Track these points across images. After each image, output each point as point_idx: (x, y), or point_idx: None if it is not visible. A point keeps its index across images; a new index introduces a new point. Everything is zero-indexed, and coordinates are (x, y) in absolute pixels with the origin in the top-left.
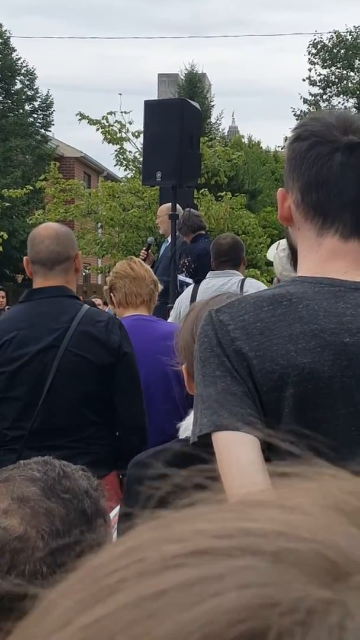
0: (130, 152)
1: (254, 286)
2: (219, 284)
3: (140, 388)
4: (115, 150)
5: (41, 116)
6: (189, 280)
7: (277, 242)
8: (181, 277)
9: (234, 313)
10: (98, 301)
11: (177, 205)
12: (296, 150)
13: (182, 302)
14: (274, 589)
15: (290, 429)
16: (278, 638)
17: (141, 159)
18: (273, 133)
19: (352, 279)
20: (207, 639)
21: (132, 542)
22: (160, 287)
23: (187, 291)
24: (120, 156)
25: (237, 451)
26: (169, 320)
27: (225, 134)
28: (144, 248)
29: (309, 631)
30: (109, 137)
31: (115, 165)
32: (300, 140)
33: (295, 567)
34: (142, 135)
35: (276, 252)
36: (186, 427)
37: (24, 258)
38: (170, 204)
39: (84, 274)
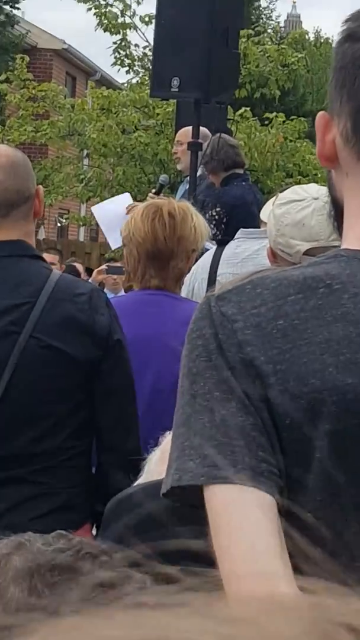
0: (136, 46)
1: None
2: (254, 248)
3: (133, 396)
4: (115, 43)
5: None
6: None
7: (276, 193)
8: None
9: (244, 303)
10: (79, 267)
11: (202, 129)
12: (347, 55)
13: (197, 274)
14: None
15: (323, 486)
16: None
17: (151, 58)
18: None
19: None
20: None
21: None
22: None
23: (206, 257)
24: (121, 52)
25: (243, 519)
26: None
27: (281, 25)
28: (153, 191)
29: None
30: (106, 22)
31: (113, 65)
32: (353, 41)
33: None
34: (153, 22)
35: (272, 208)
36: None
37: None
38: (191, 127)
39: (59, 224)
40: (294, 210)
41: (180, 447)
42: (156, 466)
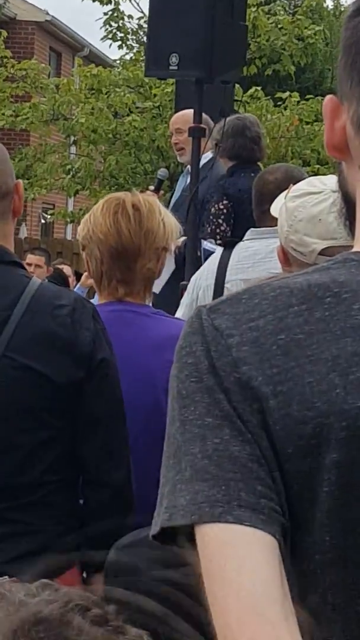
0: (129, 17)
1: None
2: (268, 249)
3: (123, 422)
4: (105, 14)
5: None
6: (214, 247)
7: (290, 186)
8: (207, 243)
9: (239, 315)
10: (67, 269)
11: (204, 114)
12: (358, 30)
13: (201, 280)
14: None
15: (332, 524)
16: None
17: (147, 31)
18: None
19: None
20: None
21: None
22: (170, 250)
23: (212, 261)
24: (113, 24)
25: (240, 564)
26: (179, 313)
27: None
28: (151, 188)
29: None
30: None
31: (103, 40)
32: None
33: None
34: None
35: (284, 202)
36: None
37: None
38: (192, 110)
39: (43, 221)
40: (309, 203)
41: (172, 482)
42: None
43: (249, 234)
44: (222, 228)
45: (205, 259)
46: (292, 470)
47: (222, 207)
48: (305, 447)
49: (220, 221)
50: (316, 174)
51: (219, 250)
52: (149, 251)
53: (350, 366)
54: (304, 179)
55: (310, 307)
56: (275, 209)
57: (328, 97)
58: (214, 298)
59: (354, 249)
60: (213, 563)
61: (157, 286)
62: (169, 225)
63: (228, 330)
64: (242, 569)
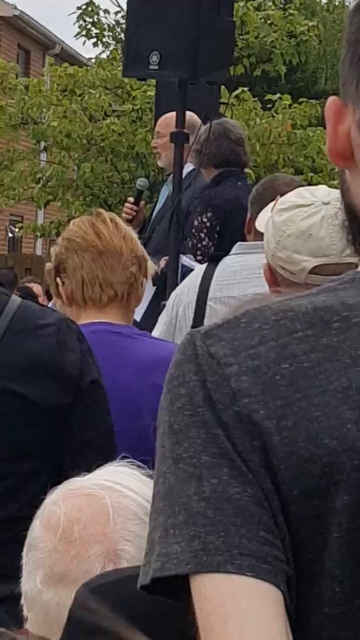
0: (106, 12)
1: None
2: (256, 264)
3: (114, 447)
4: (79, 8)
5: None
6: (193, 264)
7: (277, 198)
8: (186, 258)
9: (238, 342)
10: (37, 288)
11: (190, 114)
12: None
13: (182, 296)
14: None
15: (342, 574)
16: None
17: (125, 27)
18: None
19: None
20: None
21: None
22: (151, 269)
23: (194, 276)
24: (88, 19)
25: (241, 618)
26: (156, 331)
27: None
28: (131, 200)
29: None
30: None
31: (77, 36)
32: None
33: None
34: None
35: (270, 215)
36: None
37: None
38: (174, 112)
39: (10, 235)
40: (299, 217)
41: (163, 527)
42: None
43: (236, 247)
44: (204, 243)
45: (183, 276)
46: (298, 514)
47: (205, 220)
48: (313, 489)
49: (203, 235)
50: (310, 184)
51: (202, 265)
52: (129, 254)
53: None
54: None
55: (317, 332)
56: (262, 222)
57: (331, 98)
58: (195, 316)
59: None
60: (212, 619)
61: (137, 314)
62: (137, 242)
63: (226, 358)
64: (245, 627)
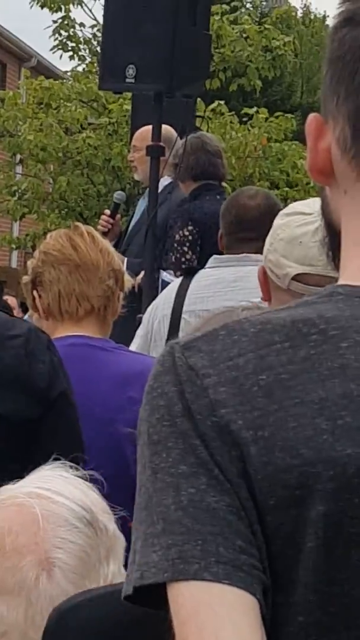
0: (81, 25)
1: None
2: (230, 277)
3: (84, 461)
4: (55, 22)
5: None
6: (172, 279)
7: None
8: (166, 274)
9: (217, 353)
10: (12, 301)
11: (166, 128)
12: (346, 42)
13: (157, 310)
14: None
15: (317, 583)
16: None
17: (101, 41)
18: None
19: None
20: None
21: None
22: (128, 282)
23: (169, 290)
24: (63, 32)
25: (217, 626)
26: (133, 345)
27: None
28: (107, 211)
29: None
30: None
31: (53, 50)
32: (354, 26)
33: None
34: None
35: (281, 221)
36: None
37: None
38: (150, 126)
39: None
40: (295, 223)
41: (143, 536)
42: None
43: (211, 261)
44: (188, 257)
45: (162, 286)
46: (274, 524)
47: (187, 233)
48: (289, 498)
49: (186, 249)
50: (285, 198)
51: (176, 281)
52: (106, 267)
53: (338, 410)
54: (277, 205)
55: (295, 344)
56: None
57: (311, 115)
58: (170, 329)
59: (340, 282)
60: (188, 627)
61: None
62: (115, 256)
63: (204, 370)
64: (221, 634)
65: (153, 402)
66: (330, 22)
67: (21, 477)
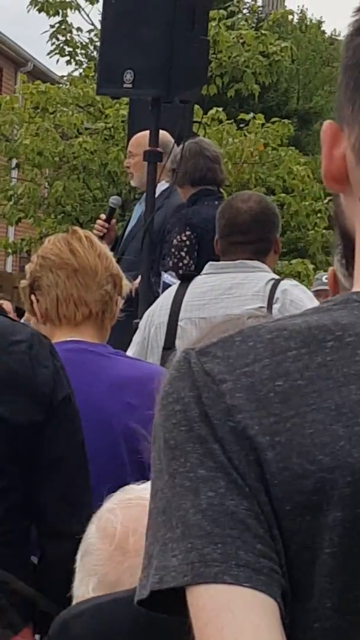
0: (79, 30)
1: (298, 298)
2: (226, 285)
3: (85, 467)
4: (52, 26)
5: None
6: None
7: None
8: (167, 275)
9: (233, 359)
10: (7, 305)
11: (163, 133)
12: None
13: (154, 317)
14: None
15: (333, 589)
16: None
17: (98, 46)
18: (351, 6)
19: None
20: None
21: None
22: (126, 287)
23: (166, 296)
24: (61, 37)
25: (238, 629)
26: (130, 351)
27: (259, 4)
28: (103, 217)
29: None
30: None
31: (50, 55)
32: None
33: None
34: (101, 1)
35: None
36: None
37: None
38: (148, 132)
39: None
40: None
41: (162, 541)
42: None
43: (207, 268)
44: (185, 262)
45: (163, 289)
46: (290, 529)
47: (184, 238)
48: (305, 504)
49: (183, 254)
50: (281, 204)
51: (174, 285)
52: (104, 272)
53: (355, 416)
54: (271, 209)
55: (311, 351)
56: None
57: (327, 122)
58: (166, 336)
59: (355, 289)
60: (208, 629)
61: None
62: (113, 260)
63: (220, 375)
64: (241, 636)
65: (169, 407)
66: (344, 30)
67: (21, 479)
